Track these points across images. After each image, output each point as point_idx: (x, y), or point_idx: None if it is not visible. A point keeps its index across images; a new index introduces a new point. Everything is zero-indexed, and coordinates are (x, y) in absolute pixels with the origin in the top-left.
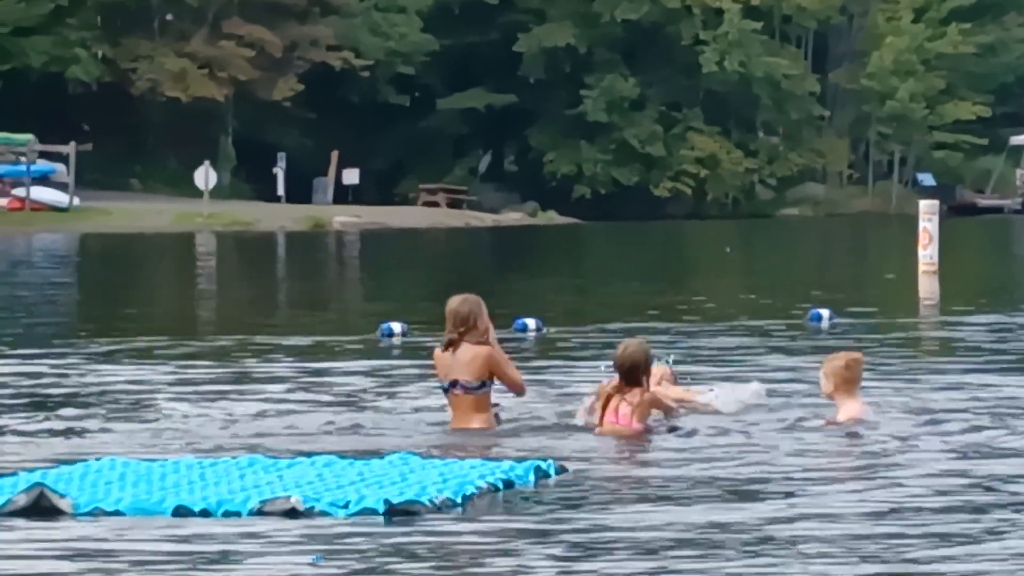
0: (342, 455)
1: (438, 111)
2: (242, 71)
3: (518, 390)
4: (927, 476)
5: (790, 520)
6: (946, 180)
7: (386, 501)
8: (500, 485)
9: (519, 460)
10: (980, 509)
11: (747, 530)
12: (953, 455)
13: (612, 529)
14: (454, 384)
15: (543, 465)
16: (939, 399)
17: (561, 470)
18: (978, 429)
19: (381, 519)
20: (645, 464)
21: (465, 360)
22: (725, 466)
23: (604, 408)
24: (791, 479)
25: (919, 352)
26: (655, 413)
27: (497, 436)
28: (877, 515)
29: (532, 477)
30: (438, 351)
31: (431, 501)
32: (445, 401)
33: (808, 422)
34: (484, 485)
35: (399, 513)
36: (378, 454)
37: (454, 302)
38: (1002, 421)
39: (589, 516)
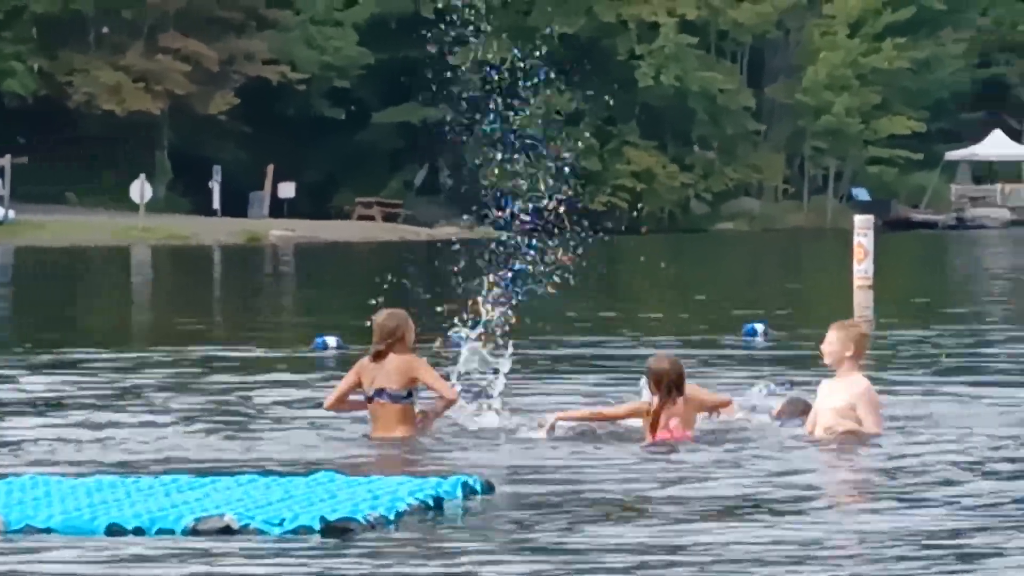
0: (265, 472)
1: (373, 125)
2: (178, 85)
3: (448, 396)
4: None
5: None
6: (881, 195)
7: (322, 518)
8: (430, 502)
9: (444, 476)
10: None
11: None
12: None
13: (545, 547)
14: (380, 393)
15: (470, 481)
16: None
17: (488, 487)
18: (950, 439)
19: (316, 536)
20: (571, 480)
21: (391, 369)
22: (673, 484)
23: (654, 427)
24: (748, 498)
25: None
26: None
27: (423, 451)
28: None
29: (460, 493)
30: (364, 361)
31: (365, 519)
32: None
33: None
34: (415, 502)
35: (334, 530)
36: (305, 470)
37: (381, 316)
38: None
39: (521, 535)
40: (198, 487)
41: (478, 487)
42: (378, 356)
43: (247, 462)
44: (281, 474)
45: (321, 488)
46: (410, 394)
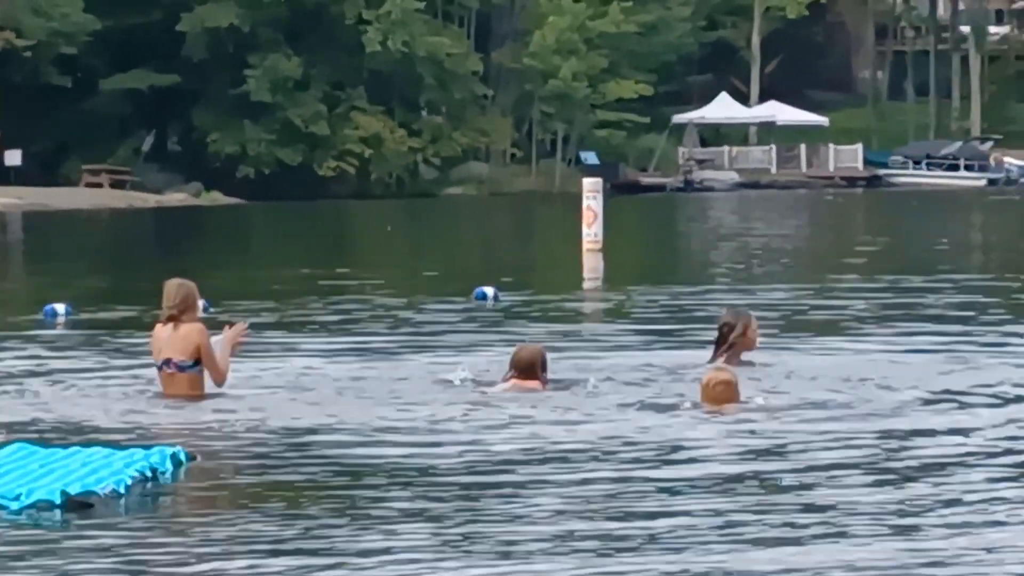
0: None
1: (101, 92)
2: None
3: (218, 378)
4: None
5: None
6: (609, 158)
7: (63, 492)
8: (148, 473)
9: (148, 447)
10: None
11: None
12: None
13: (247, 519)
14: (167, 363)
15: (176, 452)
16: (607, 367)
17: (191, 457)
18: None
19: (57, 510)
20: (270, 448)
21: (178, 338)
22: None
23: None
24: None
25: (583, 327)
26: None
27: (120, 419)
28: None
29: (170, 464)
30: (158, 327)
31: (103, 491)
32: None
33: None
34: (136, 474)
35: (75, 504)
36: (10, 439)
37: (172, 283)
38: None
39: (228, 510)
40: None
41: (182, 457)
42: (170, 320)
43: None
44: None
45: (30, 462)
46: (196, 363)
